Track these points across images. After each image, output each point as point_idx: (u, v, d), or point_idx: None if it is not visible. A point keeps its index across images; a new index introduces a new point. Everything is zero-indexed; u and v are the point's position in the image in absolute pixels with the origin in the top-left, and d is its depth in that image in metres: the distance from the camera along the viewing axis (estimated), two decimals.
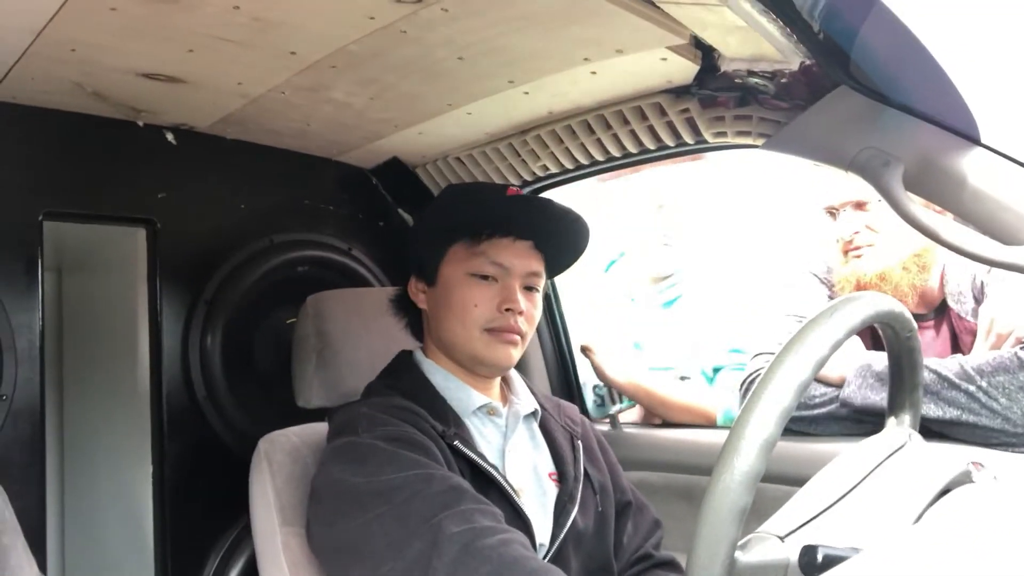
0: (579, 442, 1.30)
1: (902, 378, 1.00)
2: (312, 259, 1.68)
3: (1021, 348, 1.22)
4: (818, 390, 1.39)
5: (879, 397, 1.28)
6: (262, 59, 1.21)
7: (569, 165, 1.53)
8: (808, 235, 1.69)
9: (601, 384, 1.86)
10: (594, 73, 1.24)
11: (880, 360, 1.34)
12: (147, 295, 1.50)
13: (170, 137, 1.51)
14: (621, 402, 1.81)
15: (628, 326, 1.93)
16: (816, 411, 1.39)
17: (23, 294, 1.33)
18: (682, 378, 1.80)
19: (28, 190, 1.36)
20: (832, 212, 1.47)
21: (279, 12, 1.07)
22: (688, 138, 1.34)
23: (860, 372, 1.34)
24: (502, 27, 1.11)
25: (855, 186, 1.37)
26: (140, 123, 1.48)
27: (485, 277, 1.15)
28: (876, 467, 0.87)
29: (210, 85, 1.32)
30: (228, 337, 1.56)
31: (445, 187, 1.29)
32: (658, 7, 1.03)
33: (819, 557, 0.67)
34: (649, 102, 1.31)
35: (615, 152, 1.45)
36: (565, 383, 1.84)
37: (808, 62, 1.10)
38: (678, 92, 1.27)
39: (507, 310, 1.15)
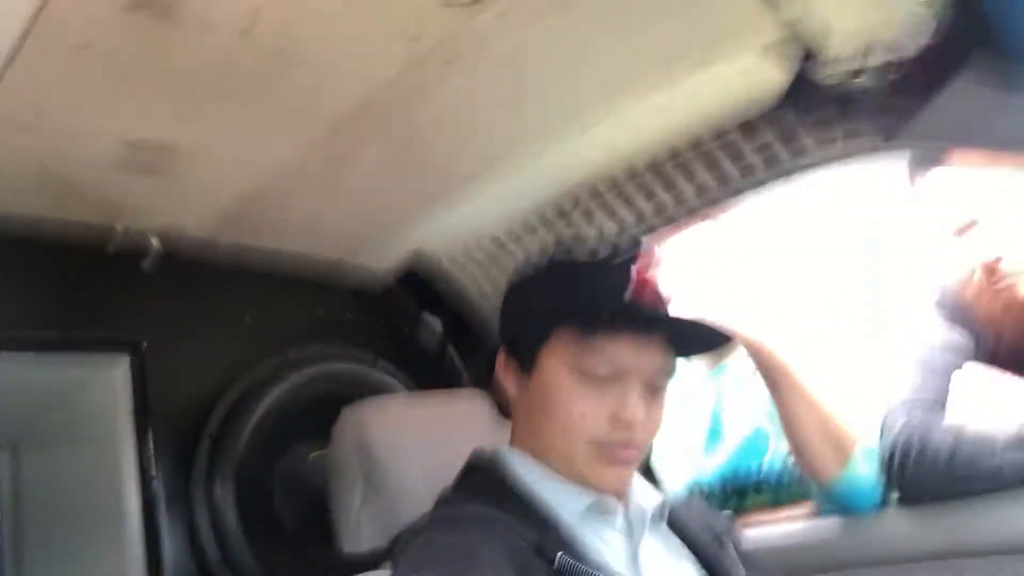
0: (726, 539, 0.99)
1: None
2: (334, 374, 1.40)
3: None
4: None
5: None
6: (275, 120, 1.00)
7: (631, 221, 1.31)
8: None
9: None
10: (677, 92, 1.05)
11: None
12: (134, 439, 1.18)
13: (155, 243, 1.26)
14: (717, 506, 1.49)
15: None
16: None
17: None
18: None
19: None
20: (965, 232, 1.24)
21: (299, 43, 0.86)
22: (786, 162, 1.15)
23: None
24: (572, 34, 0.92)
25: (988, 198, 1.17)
26: (119, 227, 1.22)
27: (601, 379, 0.88)
28: None
29: (207, 166, 1.09)
30: (241, 480, 1.23)
31: (555, 249, 1.00)
32: None
33: None
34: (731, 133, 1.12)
35: (685, 199, 1.24)
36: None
37: (934, 37, 0.92)
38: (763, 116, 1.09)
39: (622, 423, 0.87)
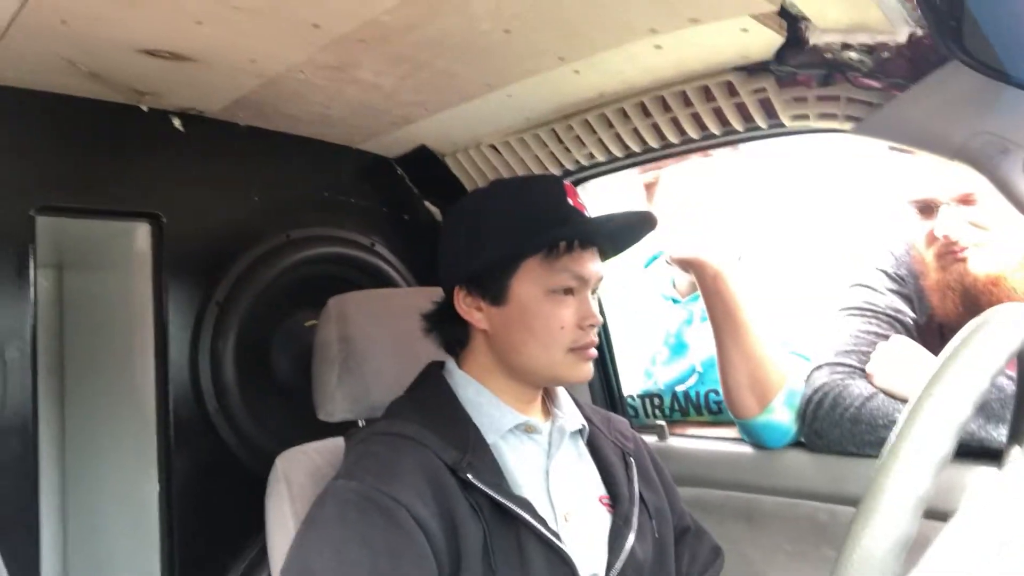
0: (632, 459, 1.16)
1: None
2: (333, 256, 1.53)
3: None
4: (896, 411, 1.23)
5: (998, 432, 1.12)
6: (280, 33, 1.07)
7: (618, 153, 1.38)
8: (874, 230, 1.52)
9: (635, 395, 1.71)
10: (659, 48, 1.08)
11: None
12: (152, 296, 1.36)
13: (177, 123, 1.37)
14: (663, 414, 1.66)
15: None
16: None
17: (13, 296, 1.19)
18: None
19: (19, 182, 1.22)
20: (927, 207, 1.29)
21: None
22: (761, 122, 1.19)
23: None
24: None
25: (956, 177, 1.21)
26: (144, 107, 1.33)
27: (566, 291, 1.03)
28: None
29: (220, 63, 1.18)
30: (242, 342, 1.41)
31: (491, 188, 1.10)
32: None
33: None
34: (718, 80, 1.15)
35: (672, 138, 1.30)
36: (607, 393, 1.70)
37: (919, 33, 0.94)
38: (753, 69, 1.12)
39: (588, 326, 1.03)
